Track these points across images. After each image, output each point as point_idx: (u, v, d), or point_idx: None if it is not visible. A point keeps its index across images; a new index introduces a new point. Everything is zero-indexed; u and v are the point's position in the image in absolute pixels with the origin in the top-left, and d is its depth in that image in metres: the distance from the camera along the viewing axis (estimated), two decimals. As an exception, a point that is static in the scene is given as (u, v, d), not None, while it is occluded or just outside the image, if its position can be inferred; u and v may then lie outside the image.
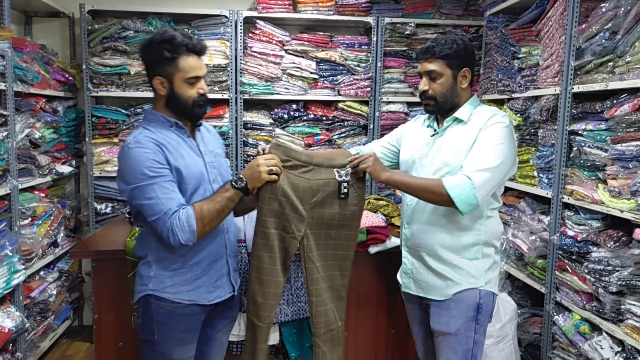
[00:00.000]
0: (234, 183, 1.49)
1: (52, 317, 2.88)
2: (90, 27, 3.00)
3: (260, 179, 1.51)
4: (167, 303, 1.53)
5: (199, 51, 1.51)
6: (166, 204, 1.42)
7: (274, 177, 1.53)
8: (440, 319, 1.71)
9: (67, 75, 3.08)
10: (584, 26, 2.20)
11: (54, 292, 2.86)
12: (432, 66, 1.66)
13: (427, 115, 1.83)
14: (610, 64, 2.08)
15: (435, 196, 1.57)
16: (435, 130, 1.76)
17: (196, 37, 2.98)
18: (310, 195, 1.62)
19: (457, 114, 1.70)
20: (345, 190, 1.64)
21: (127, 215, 2.58)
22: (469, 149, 1.63)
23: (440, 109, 1.71)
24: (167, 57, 1.46)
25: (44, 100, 2.79)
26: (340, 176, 1.64)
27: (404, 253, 1.83)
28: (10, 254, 2.35)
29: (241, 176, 1.51)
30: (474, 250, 1.68)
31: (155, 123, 1.53)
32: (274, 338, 2.09)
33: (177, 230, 1.42)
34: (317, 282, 1.67)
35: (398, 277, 1.89)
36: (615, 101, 2.03)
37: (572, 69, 2.27)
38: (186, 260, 1.55)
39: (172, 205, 1.43)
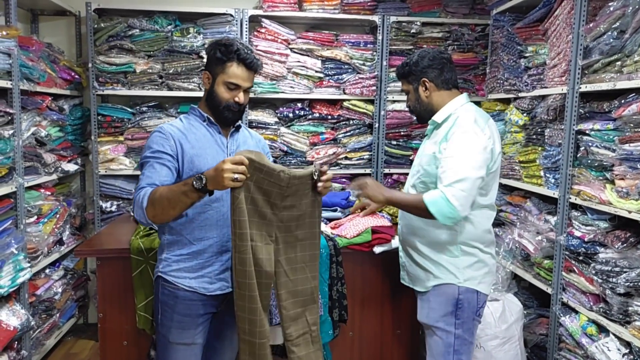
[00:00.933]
0: (193, 180, 1.42)
1: (58, 315, 2.89)
2: (96, 26, 3.00)
3: (222, 185, 1.39)
4: (171, 285, 1.63)
5: (249, 64, 1.60)
6: (143, 180, 1.53)
7: (238, 184, 1.40)
8: (422, 310, 1.84)
9: (73, 74, 3.09)
10: (591, 25, 2.18)
11: (59, 290, 2.87)
12: (402, 86, 1.91)
13: None
14: (618, 63, 2.06)
15: (421, 212, 1.68)
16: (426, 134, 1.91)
17: (201, 35, 3.02)
18: (280, 199, 1.54)
19: (434, 117, 1.82)
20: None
21: (132, 214, 2.59)
22: (434, 153, 1.74)
23: (422, 119, 1.88)
24: (218, 57, 1.60)
25: (50, 98, 2.80)
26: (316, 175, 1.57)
27: (399, 247, 1.96)
28: (16, 252, 2.36)
29: (202, 176, 1.41)
30: (452, 248, 1.76)
31: (191, 116, 1.69)
32: (279, 338, 2.09)
33: (134, 205, 1.51)
34: (286, 286, 1.60)
35: None
36: (623, 101, 2.01)
37: (579, 68, 2.25)
38: (191, 247, 1.63)
39: (144, 183, 1.52)
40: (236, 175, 1.37)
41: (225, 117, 1.65)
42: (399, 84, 3.22)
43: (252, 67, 1.62)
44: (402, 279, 1.94)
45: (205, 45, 3.02)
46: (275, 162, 3.22)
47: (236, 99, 1.61)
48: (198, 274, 1.63)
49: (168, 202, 1.45)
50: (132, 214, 2.60)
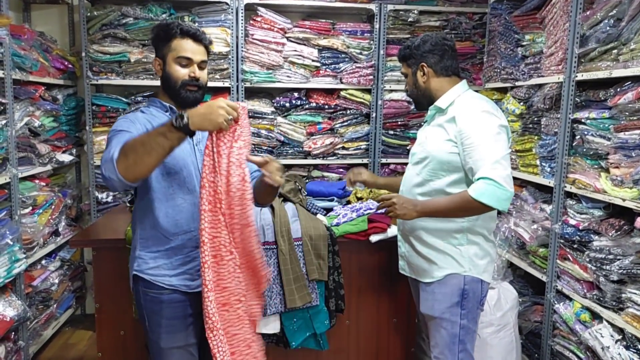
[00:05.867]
0: (173, 119, 1.30)
1: (55, 305, 2.89)
2: (89, 14, 2.96)
3: (216, 122, 1.31)
4: (153, 290, 1.55)
5: (193, 35, 1.54)
6: (112, 147, 1.35)
7: (225, 126, 1.34)
8: (426, 302, 1.80)
9: (66, 63, 3.06)
10: (588, 13, 2.17)
11: (56, 281, 2.86)
12: (402, 69, 1.87)
13: None
14: (615, 51, 2.06)
15: (471, 210, 1.61)
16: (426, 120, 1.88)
17: (197, 24, 2.99)
18: None
19: (438, 102, 1.78)
20: None
21: (127, 204, 2.58)
22: (443, 138, 1.70)
23: (418, 104, 1.87)
24: (162, 38, 1.54)
25: (43, 88, 2.77)
26: None
27: (399, 237, 1.92)
28: (11, 243, 2.36)
29: (182, 113, 1.30)
30: (459, 236, 1.73)
31: (152, 107, 1.60)
32: (274, 327, 2.10)
33: (103, 166, 1.33)
34: None
35: None
36: (618, 89, 2.01)
37: (576, 57, 2.24)
38: (169, 243, 1.54)
39: (113, 147, 1.35)
40: (230, 117, 1.33)
41: (184, 98, 1.54)
42: (397, 72, 3.29)
43: (198, 38, 1.54)
44: (402, 269, 1.91)
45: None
46: (272, 152, 3.22)
47: (191, 74, 1.53)
48: (178, 271, 1.55)
49: (142, 147, 1.29)
50: (127, 205, 2.59)
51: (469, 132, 1.63)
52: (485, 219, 1.75)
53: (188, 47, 1.53)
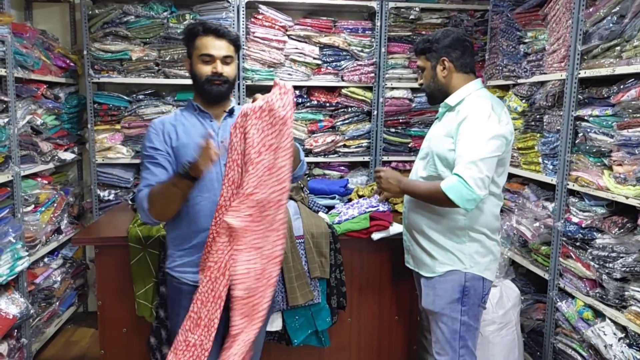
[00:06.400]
0: (180, 169, 1.48)
1: (57, 303, 2.90)
2: (90, 12, 2.96)
3: (208, 161, 1.41)
4: (176, 280, 1.65)
5: (215, 31, 1.58)
6: (141, 183, 1.58)
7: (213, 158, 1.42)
8: (427, 297, 1.81)
9: (68, 61, 3.06)
10: (591, 10, 2.16)
11: (59, 279, 2.87)
12: (418, 62, 1.85)
13: None
14: (618, 48, 2.05)
15: (440, 200, 1.64)
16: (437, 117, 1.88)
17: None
18: None
19: (447, 99, 1.79)
20: None
21: (129, 202, 2.59)
22: (445, 136, 1.72)
23: (433, 99, 1.85)
24: (189, 38, 1.62)
25: (45, 86, 2.77)
26: None
27: (404, 230, 1.94)
28: (14, 241, 2.36)
29: (186, 162, 1.45)
30: (460, 233, 1.75)
31: (186, 109, 1.69)
32: (277, 324, 2.10)
33: (138, 208, 1.57)
34: None
35: None
36: (622, 86, 2.00)
37: (578, 54, 2.23)
38: (192, 240, 1.61)
39: (141, 186, 1.57)
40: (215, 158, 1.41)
41: (209, 92, 1.60)
42: (398, 70, 3.28)
43: (219, 33, 1.58)
44: (407, 262, 1.93)
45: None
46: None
47: (214, 69, 1.58)
48: (200, 267, 1.58)
49: (163, 197, 1.50)
50: (129, 203, 2.60)
51: (461, 129, 1.66)
52: (487, 217, 1.75)
53: (209, 44, 1.58)
